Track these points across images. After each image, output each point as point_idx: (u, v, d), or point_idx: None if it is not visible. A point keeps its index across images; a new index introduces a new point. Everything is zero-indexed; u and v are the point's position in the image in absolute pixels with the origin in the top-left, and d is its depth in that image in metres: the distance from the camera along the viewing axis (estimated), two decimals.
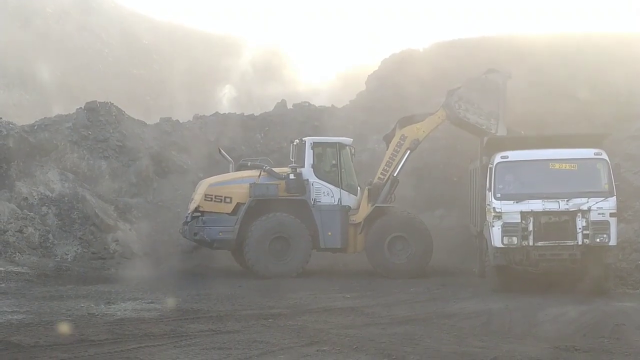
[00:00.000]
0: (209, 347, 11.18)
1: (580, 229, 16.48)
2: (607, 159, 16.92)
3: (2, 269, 20.10)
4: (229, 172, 22.23)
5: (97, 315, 14.09)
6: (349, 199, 21.48)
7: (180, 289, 17.88)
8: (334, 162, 21.65)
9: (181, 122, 28.37)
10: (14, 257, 21.12)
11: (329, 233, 21.00)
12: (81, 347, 11.09)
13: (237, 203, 20.76)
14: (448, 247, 23.61)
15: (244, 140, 28.27)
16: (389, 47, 35.01)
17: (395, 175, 21.64)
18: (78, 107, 27.02)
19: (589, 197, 16.55)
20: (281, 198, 20.84)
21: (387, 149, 22.16)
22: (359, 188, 21.81)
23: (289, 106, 30.34)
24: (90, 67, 51.88)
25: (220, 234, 20.51)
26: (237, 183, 21.08)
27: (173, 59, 54.08)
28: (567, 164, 17.07)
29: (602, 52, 26.52)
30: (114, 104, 27.53)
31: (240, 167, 22.03)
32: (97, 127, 26.16)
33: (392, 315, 14.24)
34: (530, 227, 16.57)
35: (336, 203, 21.23)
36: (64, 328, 12.61)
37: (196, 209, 20.73)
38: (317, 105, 30.60)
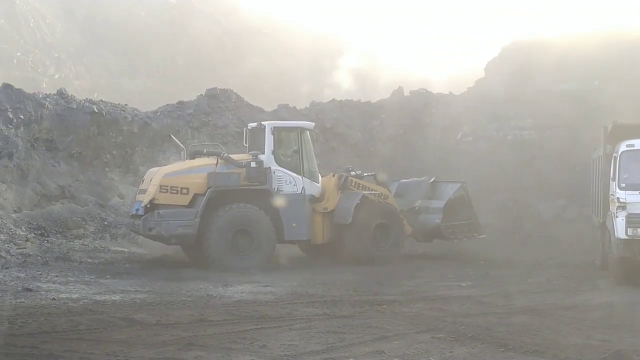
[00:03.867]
0: (323, 330, 11.26)
1: None
2: None
3: (126, 250, 20.87)
4: (181, 159, 20.56)
5: (215, 296, 14.42)
6: (311, 187, 20.07)
7: (295, 274, 18.03)
8: (295, 148, 20.19)
9: (298, 108, 28.62)
10: (137, 239, 21.85)
11: (294, 224, 19.51)
12: (200, 327, 11.38)
13: (195, 194, 18.73)
14: (570, 238, 23.05)
15: (360, 127, 28.30)
16: (508, 34, 34.24)
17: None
18: (199, 94, 27.65)
19: None
20: (243, 188, 19.00)
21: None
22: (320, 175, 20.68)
23: (406, 93, 30.16)
24: (211, 55, 53.04)
25: (179, 228, 18.30)
26: (193, 172, 18.97)
27: (291, 49, 54.66)
28: None
29: None
30: (234, 91, 28.03)
31: (194, 155, 20.00)
32: (216, 114, 26.68)
33: (510, 305, 13.96)
34: None
35: (299, 192, 19.73)
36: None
37: (151, 202, 18.47)
38: (434, 93, 30.31)
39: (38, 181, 22.03)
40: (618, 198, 16.23)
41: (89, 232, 21.57)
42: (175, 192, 18.59)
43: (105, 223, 22.18)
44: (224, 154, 19.36)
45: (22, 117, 22.18)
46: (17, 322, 11.34)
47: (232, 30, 56.35)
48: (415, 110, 28.84)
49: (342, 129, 27.98)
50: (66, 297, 13.66)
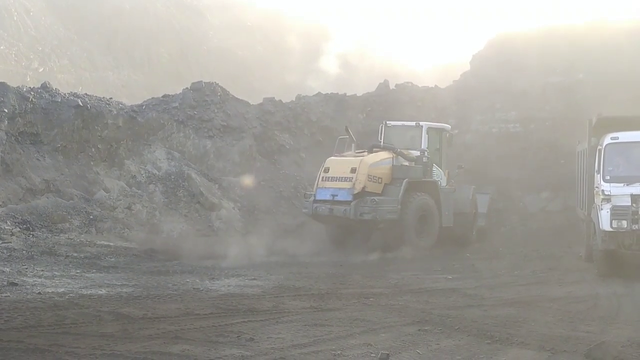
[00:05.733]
0: (310, 323, 11.26)
1: None
2: None
3: (112, 244, 20.78)
4: (351, 151, 22.71)
5: (202, 290, 14.40)
6: (447, 180, 23.14)
7: (282, 267, 18.07)
8: (437, 146, 22.91)
9: (284, 102, 28.58)
10: (123, 232, 21.79)
11: (446, 212, 22.18)
12: (187, 320, 11.36)
13: (385, 184, 21.40)
14: (554, 230, 23.13)
15: (345, 121, 28.25)
16: (494, 27, 34.40)
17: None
18: (184, 88, 27.56)
19: None
20: (425, 180, 21.87)
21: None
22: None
23: (392, 87, 30.17)
24: (196, 49, 52.89)
25: (389, 214, 20.86)
26: (383, 164, 21.61)
27: (276, 40, 54.56)
28: None
29: None
30: (219, 84, 27.95)
31: (372, 148, 22.23)
32: (202, 107, 26.62)
33: (496, 298, 14.03)
34: None
35: (446, 184, 22.73)
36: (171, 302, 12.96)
37: (362, 189, 20.91)
38: (420, 86, 30.33)
39: (23, 175, 21.89)
40: (603, 190, 16.32)
41: (74, 226, 21.46)
42: (375, 181, 21.25)
43: (91, 217, 22.08)
44: (397, 149, 21.97)
45: (5, 110, 22.04)
46: (3, 316, 11.28)
47: (216, 23, 56.18)
48: (401, 104, 28.84)
49: (328, 122, 27.97)
50: (52, 291, 13.60)
